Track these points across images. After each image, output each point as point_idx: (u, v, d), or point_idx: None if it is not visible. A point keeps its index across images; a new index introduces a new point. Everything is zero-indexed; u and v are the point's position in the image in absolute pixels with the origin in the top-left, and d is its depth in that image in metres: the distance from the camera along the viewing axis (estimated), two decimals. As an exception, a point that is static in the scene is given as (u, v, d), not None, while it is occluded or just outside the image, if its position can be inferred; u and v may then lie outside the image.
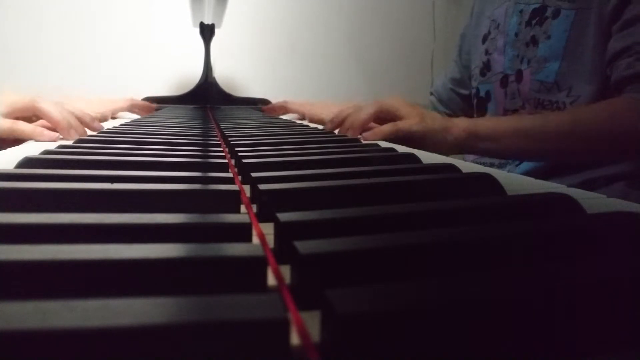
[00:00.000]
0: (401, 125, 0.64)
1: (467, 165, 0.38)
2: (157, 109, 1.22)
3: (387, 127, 0.65)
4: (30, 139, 0.55)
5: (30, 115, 0.59)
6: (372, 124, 0.68)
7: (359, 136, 0.65)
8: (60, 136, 0.56)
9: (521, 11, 0.85)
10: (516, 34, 0.85)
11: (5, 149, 0.60)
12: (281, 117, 1.13)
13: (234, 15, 1.52)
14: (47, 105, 0.57)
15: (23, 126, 0.55)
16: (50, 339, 0.11)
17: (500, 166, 0.84)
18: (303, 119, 1.08)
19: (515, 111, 0.86)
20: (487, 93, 0.94)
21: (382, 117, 0.66)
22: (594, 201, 0.26)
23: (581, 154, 0.67)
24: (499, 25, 0.90)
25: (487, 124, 0.69)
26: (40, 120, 0.59)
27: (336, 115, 0.71)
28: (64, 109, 0.58)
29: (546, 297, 0.13)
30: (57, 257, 0.15)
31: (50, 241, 0.17)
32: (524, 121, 0.69)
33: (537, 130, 0.66)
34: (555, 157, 0.73)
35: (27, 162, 0.33)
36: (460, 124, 0.68)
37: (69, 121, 0.57)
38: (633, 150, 0.66)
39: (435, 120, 0.67)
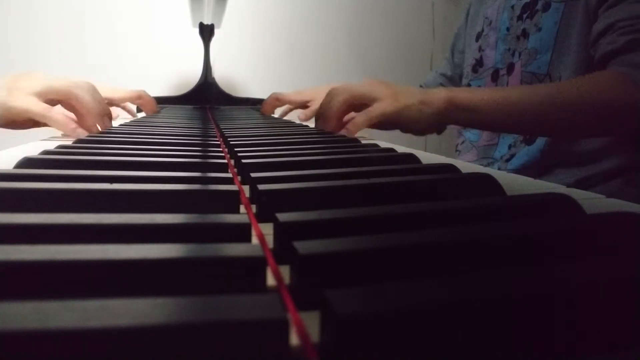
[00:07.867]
0: (372, 112, 0.61)
1: (466, 165, 0.38)
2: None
3: (359, 119, 0.62)
4: (59, 130, 0.51)
5: (61, 99, 0.54)
6: (351, 114, 0.65)
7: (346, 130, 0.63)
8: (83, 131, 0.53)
9: (512, 6, 0.85)
10: (507, 29, 0.86)
11: (20, 128, 0.55)
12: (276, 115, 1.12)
13: (234, 15, 1.52)
14: (84, 95, 0.53)
15: (57, 117, 0.51)
16: (49, 339, 0.11)
17: (489, 164, 0.84)
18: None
19: None
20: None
21: (357, 103, 0.64)
22: (593, 201, 0.26)
23: (563, 126, 0.64)
24: (491, 22, 0.91)
25: (466, 94, 0.66)
26: (58, 106, 0.55)
27: (311, 112, 0.70)
28: (101, 102, 0.54)
29: (546, 297, 0.13)
30: (56, 257, 0.15)
31: (50, 241, 0.17)
32: (505, 91, 0.67)
33: (518, 99, 0.64)
34: (538, 129, 0.69)
35: (27, 162, 0.33)
36: (440, 94, 0.64)
37: (101, 117, 0.54)
38: (616, 124, 0.63)
39: (410, 95, 0.63)
